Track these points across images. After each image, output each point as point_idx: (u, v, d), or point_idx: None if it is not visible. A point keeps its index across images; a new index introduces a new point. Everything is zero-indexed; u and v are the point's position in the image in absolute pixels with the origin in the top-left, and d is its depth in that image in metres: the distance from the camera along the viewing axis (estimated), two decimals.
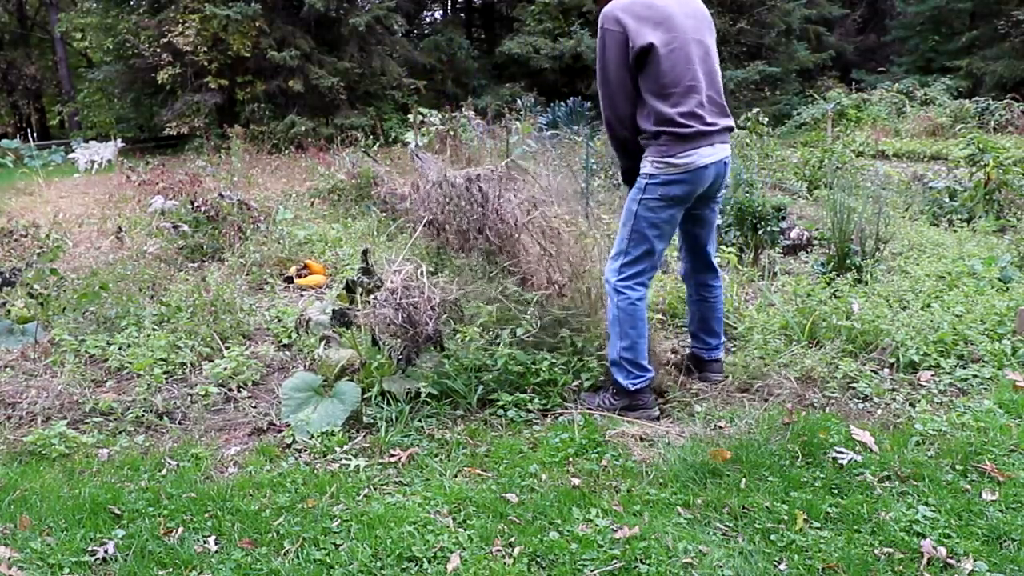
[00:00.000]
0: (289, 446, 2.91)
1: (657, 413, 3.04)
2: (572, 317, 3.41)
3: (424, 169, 4.58)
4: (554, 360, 3.26)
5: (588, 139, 8.03)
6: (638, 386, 3.01)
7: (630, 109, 2.89)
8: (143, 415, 3.19)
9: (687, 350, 3.46)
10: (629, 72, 2.83)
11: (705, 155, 2.87)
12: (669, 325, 4.00)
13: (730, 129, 3.01)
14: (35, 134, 20.67)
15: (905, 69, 23.03)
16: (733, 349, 3.62)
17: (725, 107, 2.99)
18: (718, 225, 5.49)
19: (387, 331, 3.16)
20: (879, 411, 3.02)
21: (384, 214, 6.79)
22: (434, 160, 5.03)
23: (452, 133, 10.32)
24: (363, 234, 6.67)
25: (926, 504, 2.36)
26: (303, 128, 18.26)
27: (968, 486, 2.45)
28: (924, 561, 2.09)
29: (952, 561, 2.09)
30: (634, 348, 2.98)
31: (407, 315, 3.12)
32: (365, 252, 3.74)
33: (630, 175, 3.03)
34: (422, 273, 3.25)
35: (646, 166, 2.92)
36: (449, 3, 29.76)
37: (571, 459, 2.72)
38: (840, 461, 2.60)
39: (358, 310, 3.34)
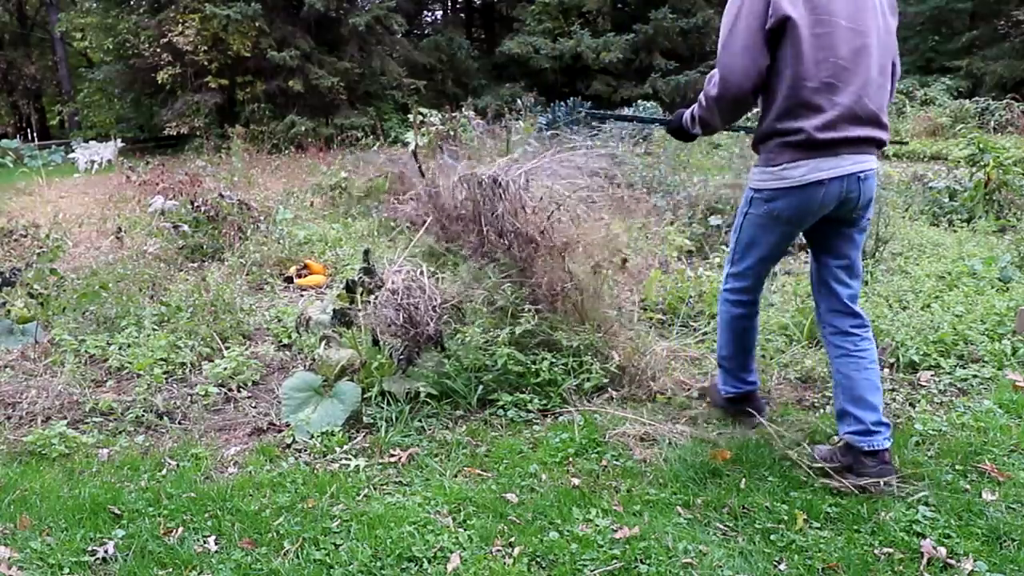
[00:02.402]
0: (289, 446, 2.91)
1: (755, 422, 2.85)
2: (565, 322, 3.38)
3: (445, 167, 4.45)
4: (554, 360, 3.26)
5: (588, 139, 8.03)
6: (731, 395, 2.89)
7: (751, 84, 2.36)
8: (143, 415, 3.19)
9: (837, 439, 2.59)
10: (763, 40, 2.31)
11: (824, 168, 2.36)
12: (670, 324, 4.00)
13: (876, 142, 2.43)
14: (35, 134, 20.69)
15: (905, 69, 22.99)
16: None
17: (877, 115, 2.40)
18: (717, 226, 5.50)
19: (388, 331, 3.16)
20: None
21: (388, 215, 6.77)
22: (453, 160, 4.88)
23: (452, 133, 10.32)
24: (363, 234, 6.67)
25: (926, 504, 2.36)
26: (303, 128, 18.28)
27: (968, 486, 2.45)
28: (924, 561, 2.09)
29: (952, 561, 2.09)
30: (734, 358, 2.84)
31: (408, 315, 3.12)
32: (367, 252, 3.75)
33: (679, 133, 2.73)
34: (422, 273, 3.25)
35: (752, 176, 2.55)
36: (449, 3, 29.77)
37: (571, 459, 2.72)
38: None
39: (358, 310, 3.34)
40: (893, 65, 2.52)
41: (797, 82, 2.32)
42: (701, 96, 2.52)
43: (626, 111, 13.92)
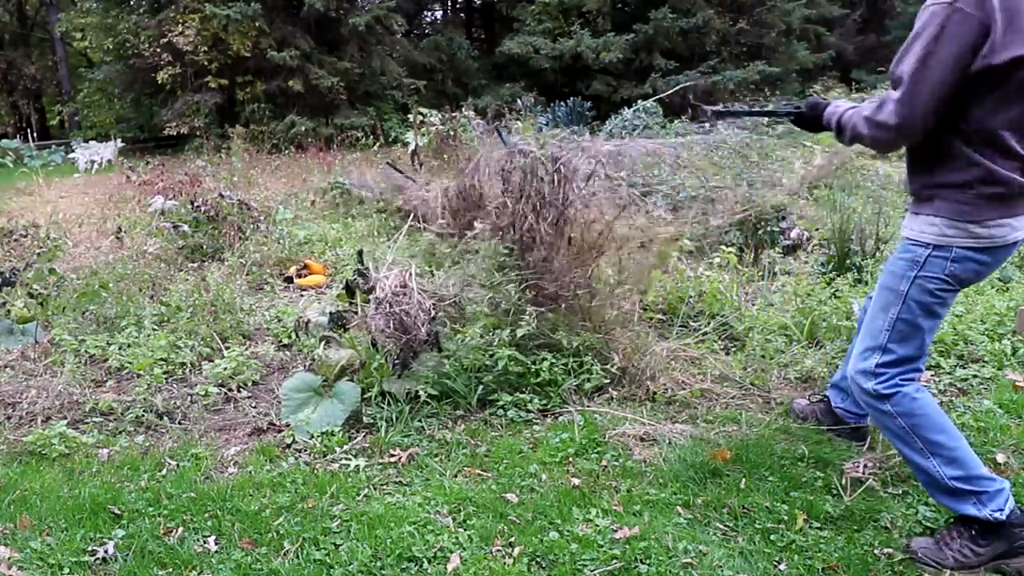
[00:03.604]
0: (289, 446, 2.91)
1: None
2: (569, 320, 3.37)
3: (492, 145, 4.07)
4: (554, 360, 3.26)
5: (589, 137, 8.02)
6: (1005, 510, 2.05)
7: (932, 124, 1.92)
8: (143, 415, 3.19)
9: (818, 398, 2.89)
10: (960, 78, 1.85)
11: (1018, 226, 1.99)
12: (670, 324, 3.99)
13: None
14: (35, 134, 20.69)
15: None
16: (733, 349, 3.62)
17: None
18: (717, 226, 5.49)
19: (381, 336, 3.17)
20: None
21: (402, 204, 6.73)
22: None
23: (452, 133, 10.32)
24: (363, 234, 6.67)
25: (926, 504, 2.36)
26: (303, 128, 18.26)
27: None
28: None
29: None
30: (961, 461, 2.06)
31: (399, 321, 3.12)
32: (360, 253, 3.74)
33: (812, 125, 2.30)
34: (411, 275, 3.23)
35: (928, 229, 2.03)
36: (449, 3, 29.76)
37: (571, 459, 2.72)
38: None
39: (356, 312, 3.34)
40: None
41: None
42: (870, 115, 2.00)
43: (626, 111, 13.91)
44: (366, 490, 2.57)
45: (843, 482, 2.46)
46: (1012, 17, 1.77)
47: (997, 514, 2.03)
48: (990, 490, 2.05)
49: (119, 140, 14.73)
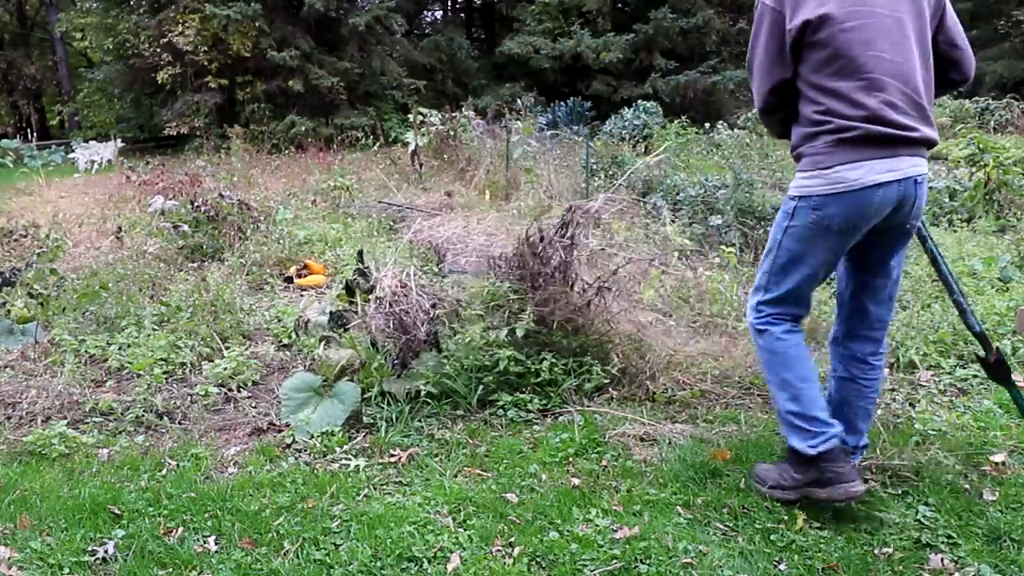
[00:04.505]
0: (289, 446, 2.91)
1: (861, 487, 2.25)
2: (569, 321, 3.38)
3: None
4: (554, 360, 3.26)
5: (588, 139, 8.03)
6: (820, 448, 2.25)
7: (772, 101, 2.27)
8: (143, 415, 3.19)
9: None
10: (779, 57, 2.20)
11: (880, 170, 2.13)
12: (670, 324, 3.99)
13: (931, 142, 2.21)
14: (35, 134, 20.66)
15: None
16: (733, 348, 3.62)
17: (927, 110, 2.19)
18: (718, 226, 5.50)
19: (381, 336, 3.17)
20: (879, 411, 3.01)
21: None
22: None
23: (452, 133, 10.32)
24: (363, 234, 6.67)
25: (926, 504, 2.36)
26: (303, 128, 18.27)
27: (968, 486, 2.45)
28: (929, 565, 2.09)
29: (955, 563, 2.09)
30: (800, 398, 2.29)
31: (398, 321, 3.13)
32: (360, 253, 3.74)
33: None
34: (411, 276, 3.24)
35: (795, 182, 2.27)
36: (449, 3, 29.77)
37: (571, 459, 2.72)
38: None
39: (356, 312, 3.34)
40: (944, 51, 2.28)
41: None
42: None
43: (626, 111, 13.91)
44: (366, 490, 2.57)
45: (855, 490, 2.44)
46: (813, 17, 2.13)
47: (810, 449, 2.26)
48: (817, 431, 2.27)
49: (119, 140, 14.73)
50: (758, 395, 3.20)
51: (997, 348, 2.53)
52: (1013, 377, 3.20)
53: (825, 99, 2.17)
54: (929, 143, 2.21)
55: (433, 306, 3.23)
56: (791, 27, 2.15)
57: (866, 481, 2.46)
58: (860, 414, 2.45)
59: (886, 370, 3.37)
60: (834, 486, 2.23)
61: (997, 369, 2.52)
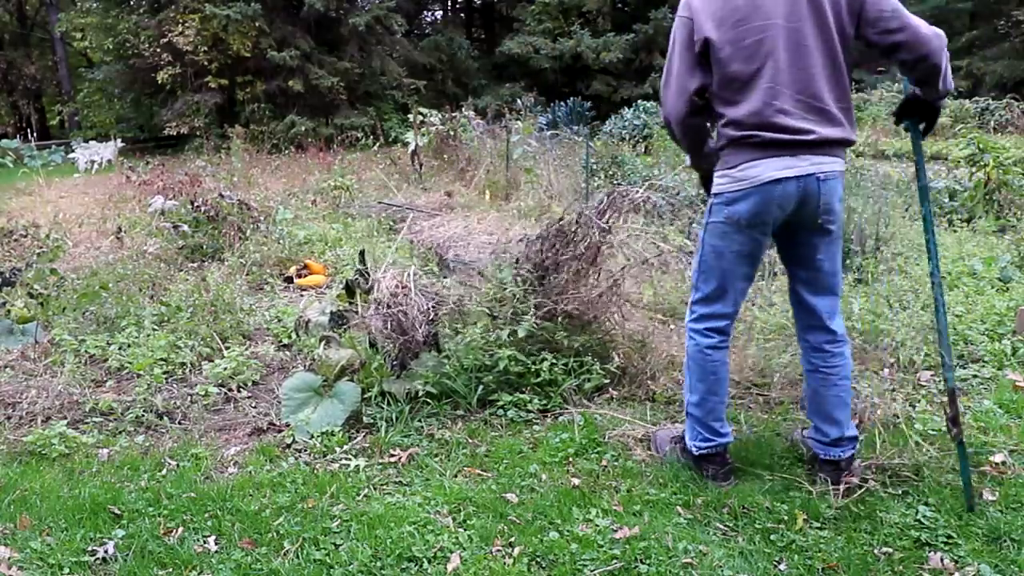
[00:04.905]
0: (289, 446, 2.91)
1: (729, 485, 2.51)
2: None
3: None
4: (554, 360, 3.26)
5: (588, 139, 8.02)
6: (703, 451, 2.52)
7: (684, 108, 2.40)
8: (143, 415, 3.19)
9: (806, 434, 2.69)
10: (694, 67, 2.35)
11: (777, 166, 2.30)
12: (670, 325, 3.99)
13: (837, 142, 2.33)
14: (35, 134, 20.63)
15: None
16: (733, 349, 3.62)
17: (829, 112, 2.30)
18: None
19: (380, 336, 3.17)
20: (879, 411, 3.01)
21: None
22: None
23: (452, 133, 10.32)
24: (363, 234, 6.67)
25: (926, 504, 2.36)
26: (303, 128, 18.28)
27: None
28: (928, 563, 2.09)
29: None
30: (703, 405, 2.51)
31: (397, 322, 3.13)
32: (362, 253, 3.74)
33: (705, 182, 2.63)
34: (410, 276, 3.23)
35: (714, 184, 2.45)
36: (449, 3, 29.77)
37: (571, 459, 2.72)
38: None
39: (356, 312, 3.34)
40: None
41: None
42: None
43: (626, 111, 13.91)
44: (366, 490, 2.57)
45: (839, 487, 2.44)
46: (701, 14, 2.32)
47: (695, 448, 2.55)
48: (707, 436, 2.52)
49: (119, 140, 14.73)
50: (758, 395, 3.20)
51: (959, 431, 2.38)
52: (1012, 377, 3.21)
53: (727, 109, 2.34)
54: (835, 143, 2.33)
55: (433, 307, 3.23)
56: (696, 40, 2.32)
57: (866, 480, 2.47)
58: (832, 403, 2.51)
59: (886, 370, 3.37)
60: (709, 479, 2.53)
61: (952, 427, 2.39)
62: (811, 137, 2.28)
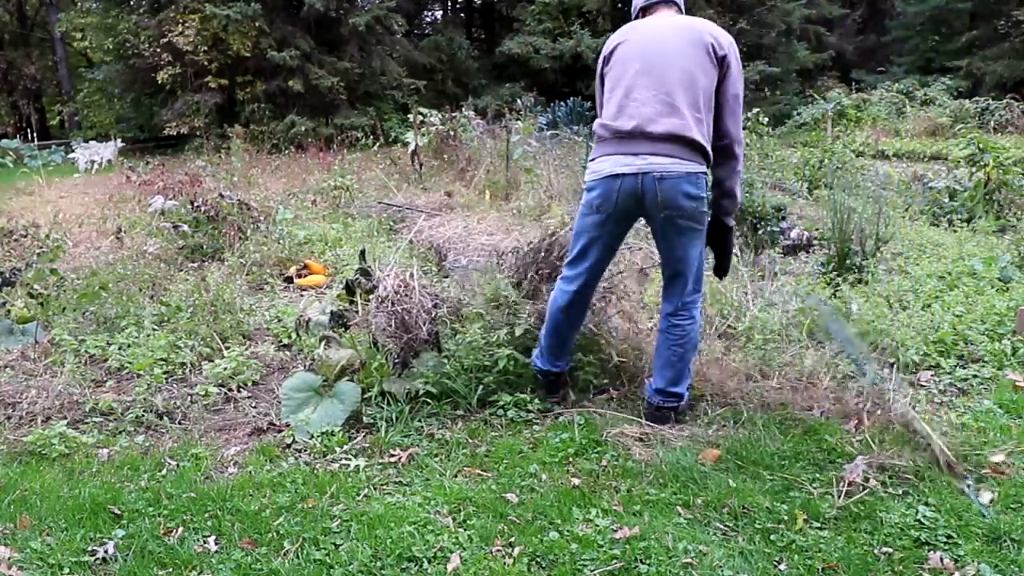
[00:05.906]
0: (289, 446, 2.91)
1: (553, 401, 3.14)
2: None
3: None
4: None
5: (588, 139, 8.01)
6: (535, 368, 3.16)
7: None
8: (143, 415, 3.19)
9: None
10: (601, 84, 2.98)
11: (619, 163, 2.74)
12: None
13: (682, 140, 2.69)
14: (35, 134, 20.69)
15: (905, 69, 23.02)
16: (734, 349, 3.62)
17: (681, 113, 2.70)
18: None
19: (382, 335, 3.17)
20: (879, 411, 3.01)
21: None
22: None
23: (452, 133, 10.32)
24: (363, 234, 6.66)
25: (926, 504, 2.36)
26: (303, 128, 18.26)
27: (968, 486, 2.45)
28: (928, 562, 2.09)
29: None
30: (547, 336, 3.08)
31: (400, 320, 3.13)
32: (363, 252, 3.74)
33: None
34: (413, 275, 3.24)
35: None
36: (449, 3, 29.76)
37: (571, 459, 2.72)
38: (839, 461, 2.60)
39: (356, 311, 3.34)
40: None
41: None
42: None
43: None
44: (366, 490, 2.57)
45: (840, 487, 2.44)
46: (607, 54, 2.92)
47: (532, 365, 3.18)
48: (543, 359, 3.12)
49: (119, 140, 14.73)
50: (757, 395, 3.19)
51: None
52: (1012, 377, 3.21)
53: (600, 114, 2.90)
54: (679, 141, 2.69)
55: (435, 306, 3.23)
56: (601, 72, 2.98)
57: (866, 480, 2.47)
58: (661, 360, 2.95)
59: (886, 370, 3.37)
60: (541, 390, 3.17)
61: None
62: (658, 131, 2.69)
